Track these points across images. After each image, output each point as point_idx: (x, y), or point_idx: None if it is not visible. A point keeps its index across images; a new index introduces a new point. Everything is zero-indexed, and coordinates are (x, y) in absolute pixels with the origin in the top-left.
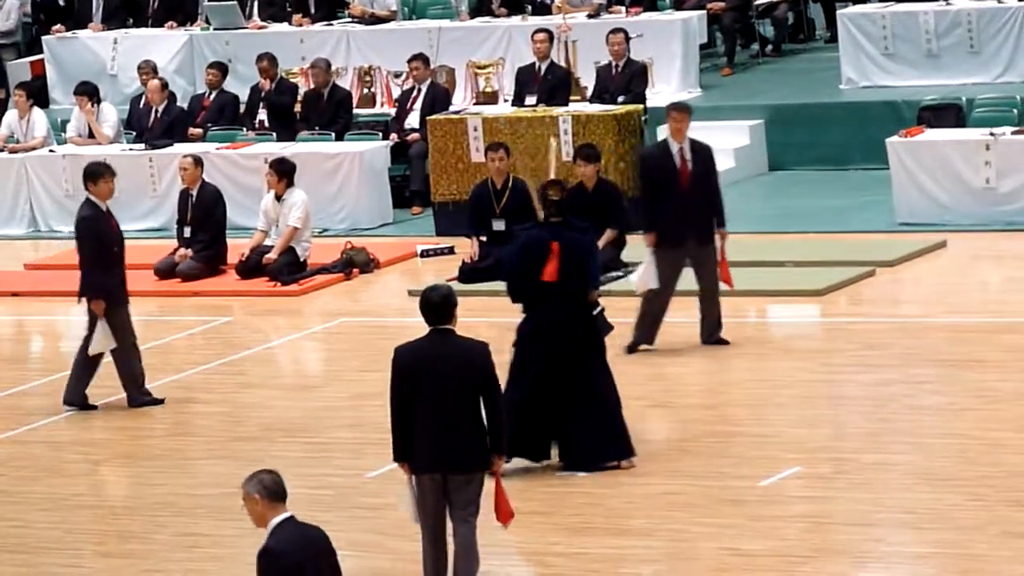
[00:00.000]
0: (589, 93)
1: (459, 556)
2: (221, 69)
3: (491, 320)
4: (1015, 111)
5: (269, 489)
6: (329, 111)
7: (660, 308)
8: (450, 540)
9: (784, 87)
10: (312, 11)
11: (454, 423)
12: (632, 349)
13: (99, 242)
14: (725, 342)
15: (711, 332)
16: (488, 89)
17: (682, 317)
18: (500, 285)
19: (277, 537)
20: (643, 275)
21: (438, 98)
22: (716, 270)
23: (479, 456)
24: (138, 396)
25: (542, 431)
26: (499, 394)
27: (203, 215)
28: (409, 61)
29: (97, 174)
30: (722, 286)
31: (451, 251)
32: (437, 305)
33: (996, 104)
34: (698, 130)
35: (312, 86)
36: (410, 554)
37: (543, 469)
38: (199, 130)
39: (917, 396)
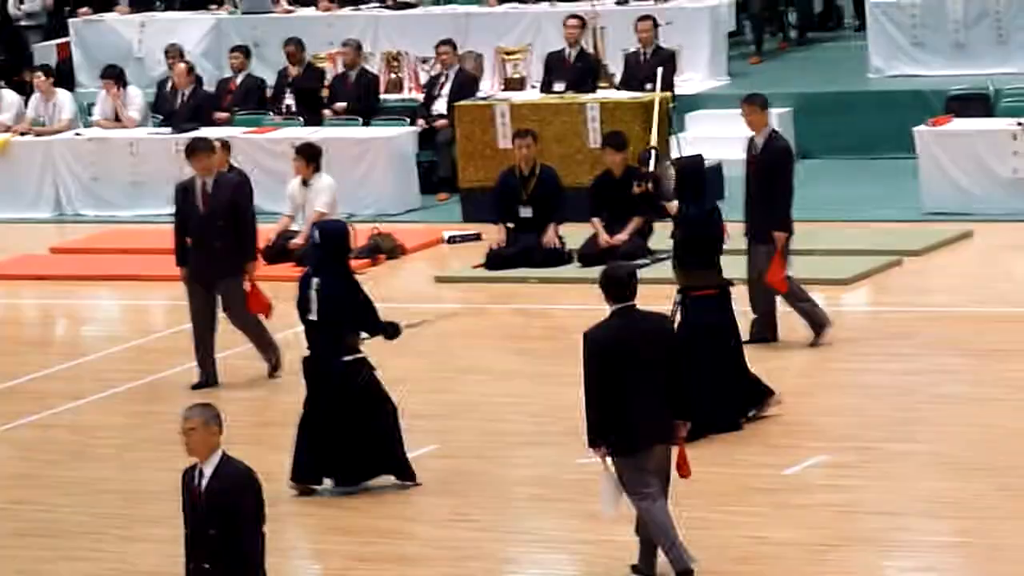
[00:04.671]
0: (617, 80)
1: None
2: (245, 52)
3: (517, 307)
4: None
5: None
6: (356, 93)
7: None
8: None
9: (812, 75)
10: None
11: (661, 395)
12: None
13: None
14: None
15: None
16: (516, 75)
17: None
18: (527, 272)
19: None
20: None
21: (466, 84)
22: None
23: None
24: None
25: None
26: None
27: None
28: (437, 46)
29: None
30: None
31: (478, 238)
32: (623, 281)
33: None
34: (726, 118)
35: (341, 68)
36: (438, 541)
37: (572, 459)
38: (225, 114)
39: (943, 385)
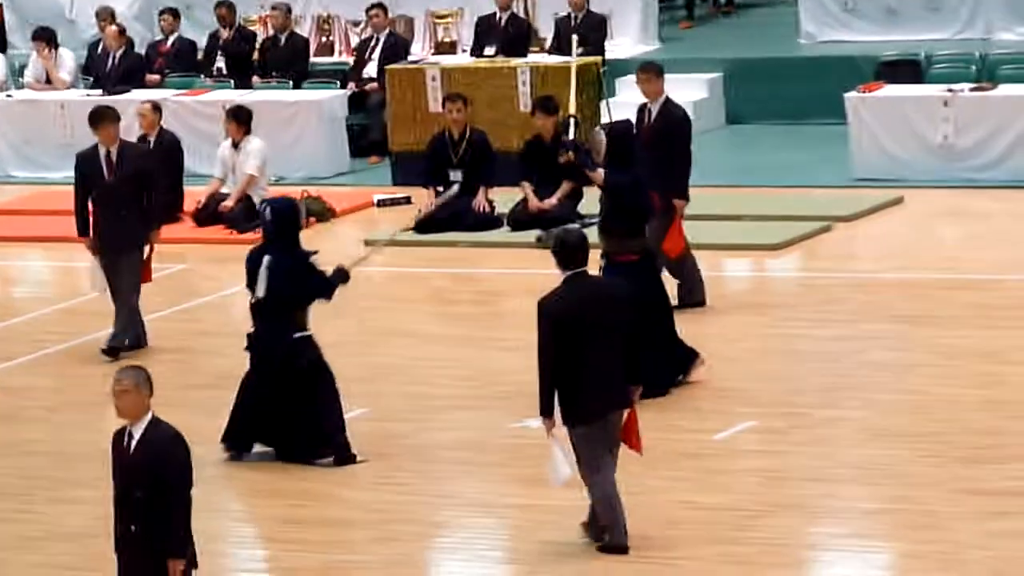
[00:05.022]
0: (548, 44)
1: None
2: (174, 14)
3: (446, 271)
4: (973, 68)
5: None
6: (286, 57)
7: None
8: None
9: (743, 41)
10: None
11: (616, 362)
12: None
13: None
14: None
15: None
16: (447, 39)
17: None
18: (456, 236)
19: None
20: None
21: (397, 47)
22: None
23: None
24: None
25: None
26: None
27: (161, 162)
28: (368, 10)
29: None
30: None
31: (408, 201)
32: (575, 247)
33: (955, 60)
34: None
35: (271, 31)
36: (365, 504)
37: (500, 423)
38: (157, 76)
39: (871, 352)
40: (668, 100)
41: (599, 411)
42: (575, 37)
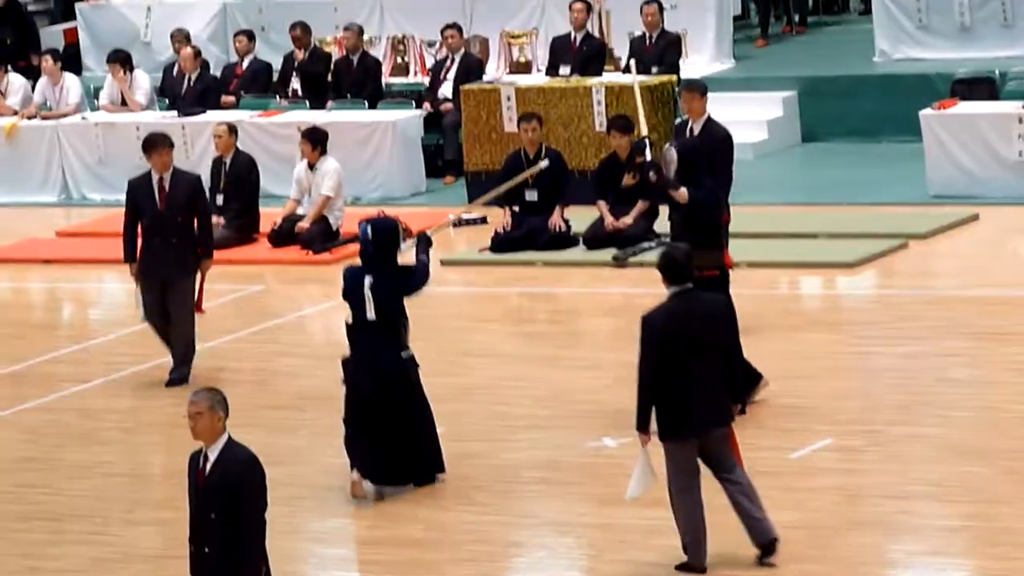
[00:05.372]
0: (623, 64)
1: (749, 499)
2: (249, 36)
3: (522, 290)
4: None
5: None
6: (358, 77)
7: None
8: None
9: (818, 59)
10: None
11: (716, 379)
12: None
13: None
14: None
15: None
16: (522, 59)
17: None
18: (532, 255)
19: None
20: None
21: (471, 68)
22: None
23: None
24: None
25: None
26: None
27: (236, 183)
28: (443, 30)
29: None
30: None
31: (484, 221)
32: (682, 264)
33: None
34: (731, 102)
35: (343, 52)
36: (443, 524)
37: (577, 442)
38: (232, 98)
39: (948, 369)
40: (710, 119)
41: (699, 427)
42: (632, 61)
